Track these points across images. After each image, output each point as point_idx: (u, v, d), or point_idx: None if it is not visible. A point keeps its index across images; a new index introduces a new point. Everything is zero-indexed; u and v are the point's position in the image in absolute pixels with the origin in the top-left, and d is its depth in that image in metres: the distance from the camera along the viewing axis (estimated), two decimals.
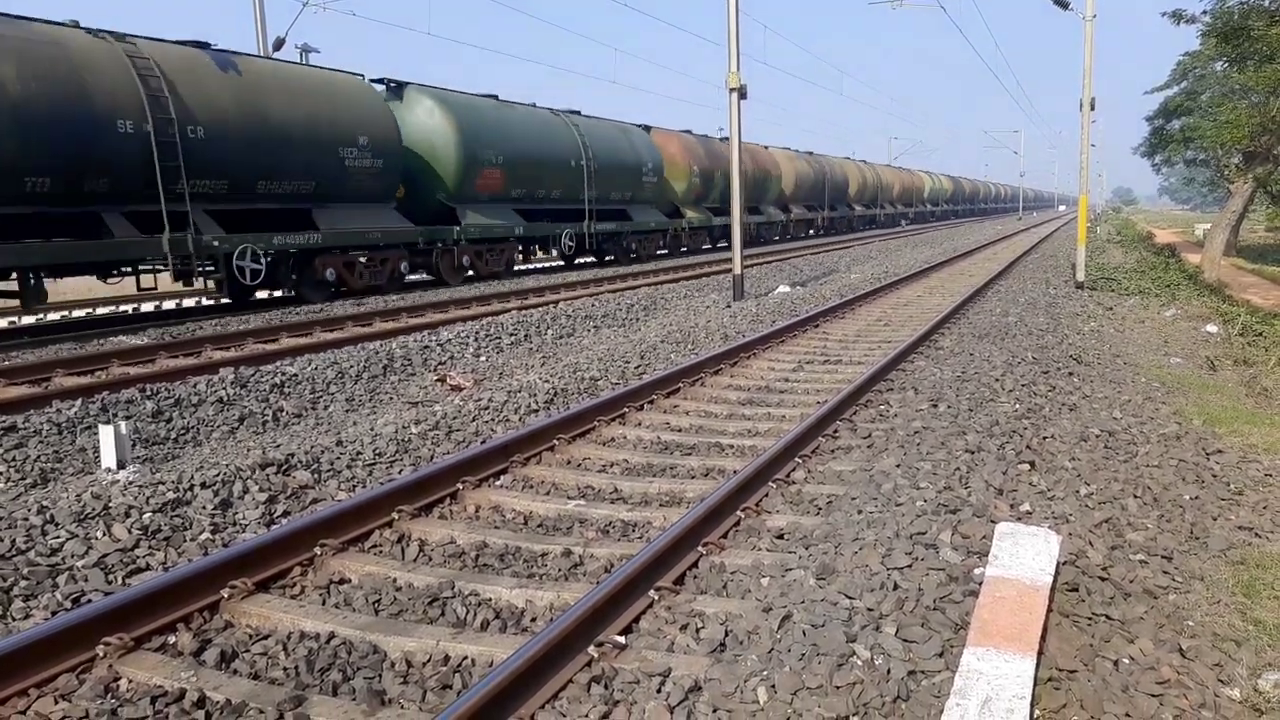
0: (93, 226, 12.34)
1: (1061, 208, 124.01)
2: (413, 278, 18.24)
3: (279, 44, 18.01)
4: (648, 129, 26.93)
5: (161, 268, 13.38)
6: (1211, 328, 13.18)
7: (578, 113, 23.44)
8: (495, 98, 20.23)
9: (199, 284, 14.05)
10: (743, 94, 15.79)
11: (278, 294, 16.51)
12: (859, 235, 43.44)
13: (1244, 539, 4.73)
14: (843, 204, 45.30)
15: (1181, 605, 3.87)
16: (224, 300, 15.53)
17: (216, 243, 13.38)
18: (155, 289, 14.52)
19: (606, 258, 24.82)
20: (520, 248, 21.23)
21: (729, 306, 14.83)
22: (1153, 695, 3.13)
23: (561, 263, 24.79)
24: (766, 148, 36.13)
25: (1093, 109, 18.84)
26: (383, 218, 16.56)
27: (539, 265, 24.44)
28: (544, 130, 21.11)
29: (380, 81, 17.68)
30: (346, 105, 15.72)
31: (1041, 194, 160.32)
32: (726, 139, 32.98)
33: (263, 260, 14.20)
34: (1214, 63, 27.27)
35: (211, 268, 13.79)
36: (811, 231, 41.37)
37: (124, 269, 13.41)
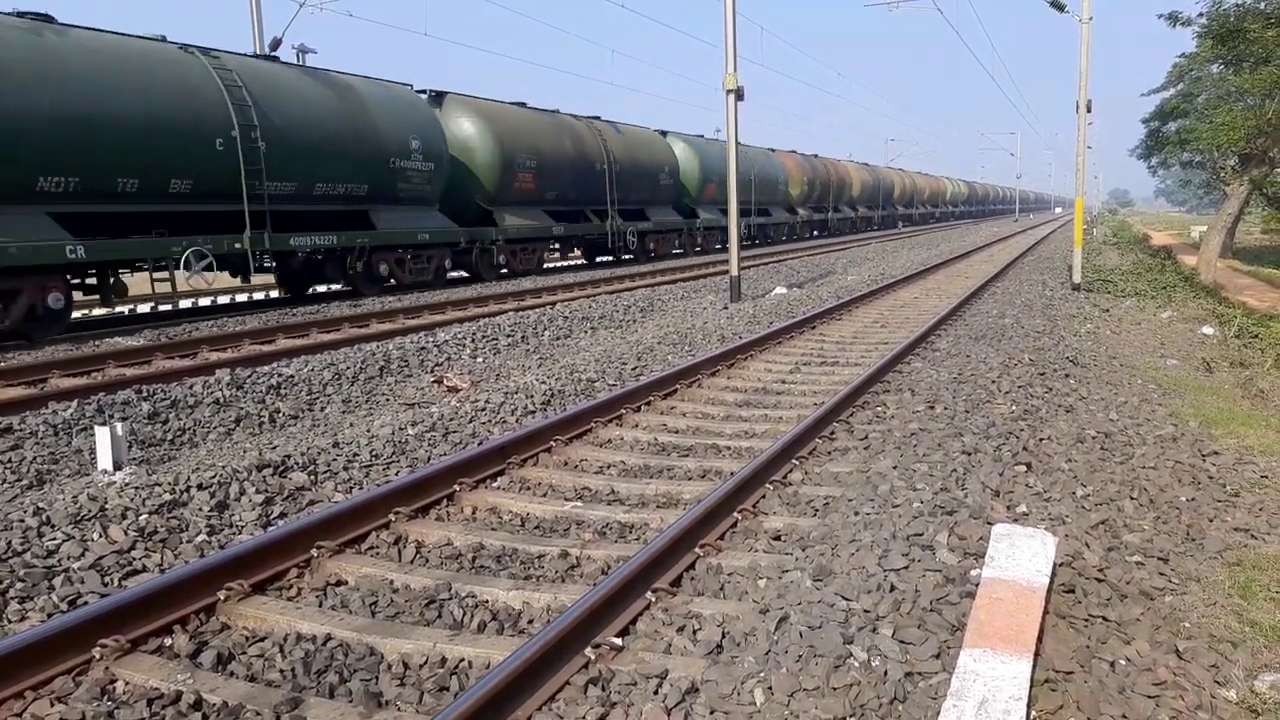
0: (581, 218, 24.18)
1: (1058, 210, 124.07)
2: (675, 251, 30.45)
3: (275, 44, 17.95)
4: (773, 150, 39.37)
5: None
6: (1208, 329, 13.19)
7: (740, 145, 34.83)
8: (702, 137, 32.65)
9: (576, 251, 26.64)
10: (740, 95, 15.81)
11: (609, 259, 27.19)
12: (858, 237, 43.90)
13: (1240, 540, 4.74)
14: (889, 204, 57.75)
15: (1178, 607, 3.88)
16: (581, 261, 27.86)
17: (623, 225, 25.50)
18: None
19: (755, 241, 36.00)
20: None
21: (726, 308, 14.83)
22: (1149, 696, 3.14)
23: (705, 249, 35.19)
24: (840, 161, 48.44)
25: (1089, 111, 18.85)
26: (669, 214, 29.05)
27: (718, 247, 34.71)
28: (742, 157, 33.11)
29: (659, 131, 29.68)
30: (660, 151, 28.39)
31: (1038, 196, 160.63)
32: (817, 156, 43.62)
33: (635, 237, 26.11)
34: (1210, 65, 27.32)
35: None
36: (870, 226, 52.94)
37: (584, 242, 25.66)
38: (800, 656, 3.27)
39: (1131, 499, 5.17)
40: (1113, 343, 11.36)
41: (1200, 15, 20.44)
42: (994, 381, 8.13)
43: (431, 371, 9.67)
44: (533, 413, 7.44)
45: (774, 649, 3.38)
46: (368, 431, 6.57)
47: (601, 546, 4.64)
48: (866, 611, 3.55)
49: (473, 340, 11.20)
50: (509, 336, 11.66)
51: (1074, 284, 18.27)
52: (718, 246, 32.34)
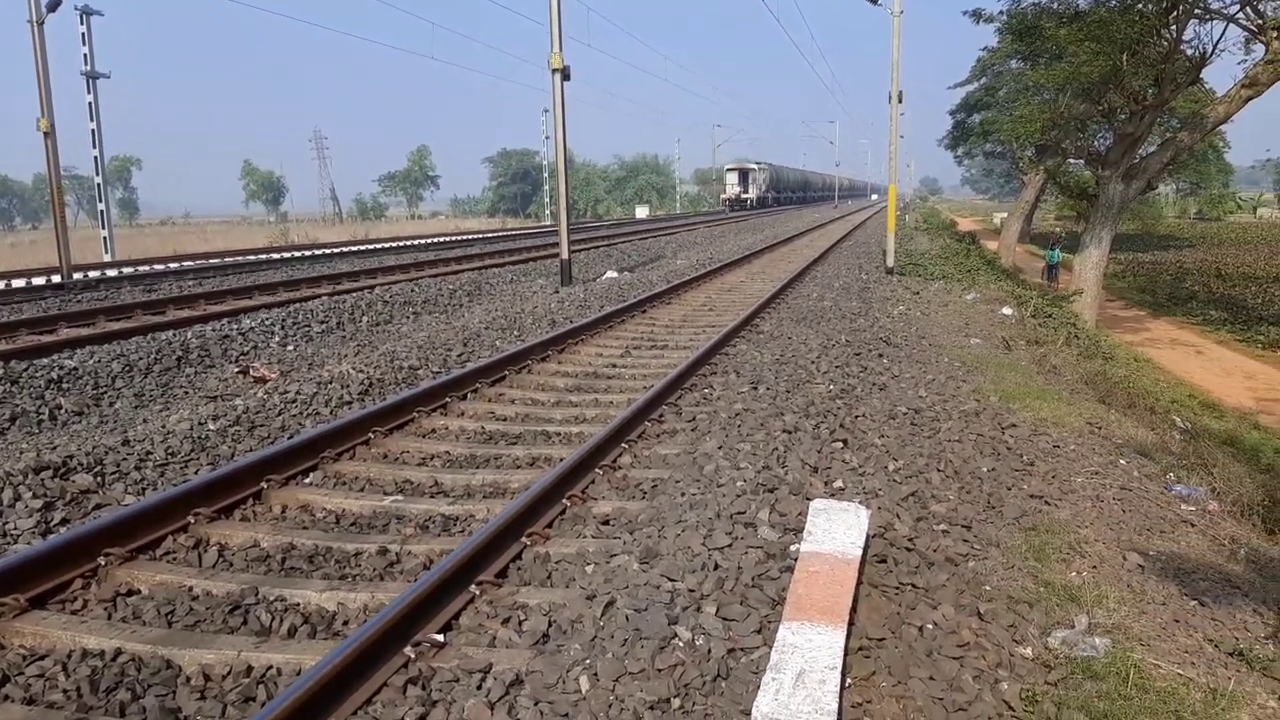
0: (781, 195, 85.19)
1: (874, 196, 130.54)
2: None
3: (54, 5, 16.45)
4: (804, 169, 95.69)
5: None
6: (1007, 310, 14.15)
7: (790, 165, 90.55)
8: (770, 164, 77.84)
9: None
10: (566, 75, 15.67)
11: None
12: (687, 221, 44.63)
13: (1035, 507, 5.07)
14: (816, 190, 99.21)
15: (980, 571, 4.09)
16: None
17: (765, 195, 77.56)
18: None
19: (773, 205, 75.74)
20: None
21: (557, 292, 14.75)
22: (954, 658, 3.28)
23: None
24: (805, 169, 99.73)
25: (901, 102, 19.81)
26: (771, 192, 78.26)
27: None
28: (792, 167, 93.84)
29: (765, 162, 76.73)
30: (757, 169, 74.73)
31: (856, 183, 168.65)
32: (810, 169, 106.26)
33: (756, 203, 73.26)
34: (1010, 60, 29.16)
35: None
36: (816, 202, 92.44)
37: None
38: (626, 640, 3.24)
39: (938, 471, 5.44)
40: (922, 323, 11.99)
41: (1001, 13, 21.72)
42: (813, 362, 8.40)
43: (236, 361, 9.11)
44: (349, 403, 7.12)
45: (600, 635, 3.34)
46: (163, 428, 6.10)
47: (424, 541, 4.48)
48: (691, 591, 3.56)
49: (282, 327, 10.63)
50: (323, 323, 11.15)
51: (888, 268, 19.21)
52: (775, 207, 69.57)
